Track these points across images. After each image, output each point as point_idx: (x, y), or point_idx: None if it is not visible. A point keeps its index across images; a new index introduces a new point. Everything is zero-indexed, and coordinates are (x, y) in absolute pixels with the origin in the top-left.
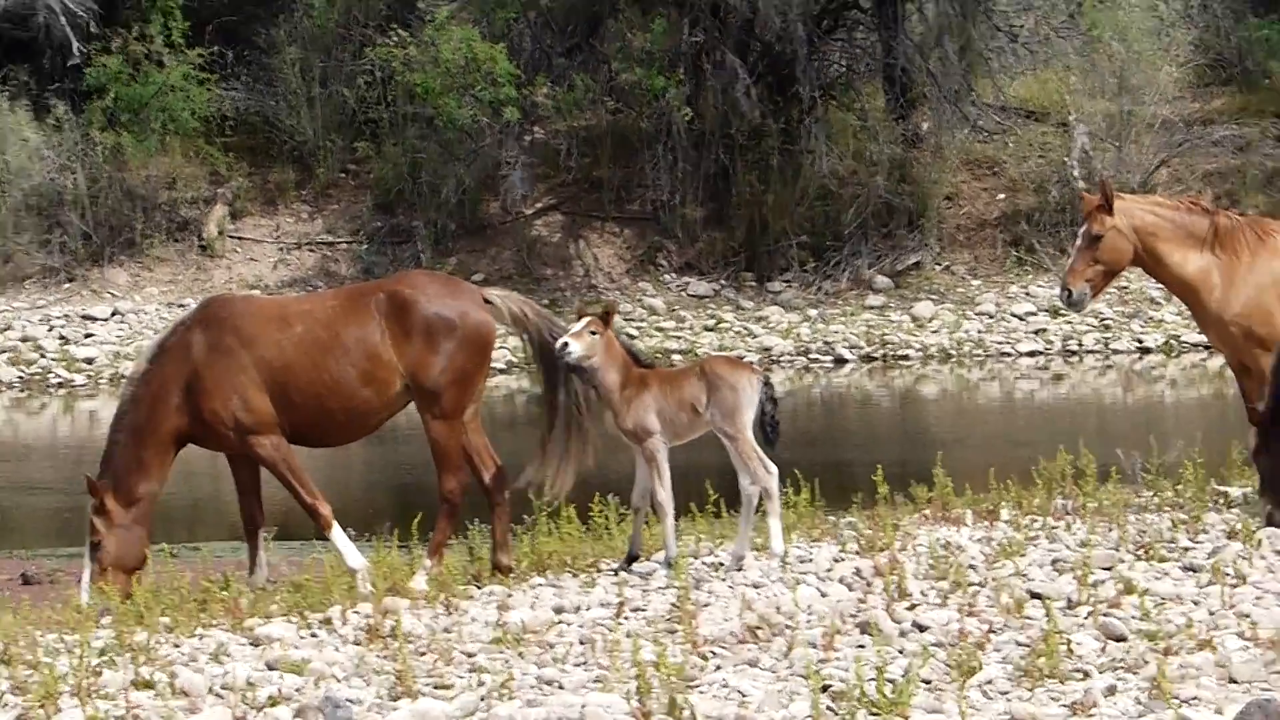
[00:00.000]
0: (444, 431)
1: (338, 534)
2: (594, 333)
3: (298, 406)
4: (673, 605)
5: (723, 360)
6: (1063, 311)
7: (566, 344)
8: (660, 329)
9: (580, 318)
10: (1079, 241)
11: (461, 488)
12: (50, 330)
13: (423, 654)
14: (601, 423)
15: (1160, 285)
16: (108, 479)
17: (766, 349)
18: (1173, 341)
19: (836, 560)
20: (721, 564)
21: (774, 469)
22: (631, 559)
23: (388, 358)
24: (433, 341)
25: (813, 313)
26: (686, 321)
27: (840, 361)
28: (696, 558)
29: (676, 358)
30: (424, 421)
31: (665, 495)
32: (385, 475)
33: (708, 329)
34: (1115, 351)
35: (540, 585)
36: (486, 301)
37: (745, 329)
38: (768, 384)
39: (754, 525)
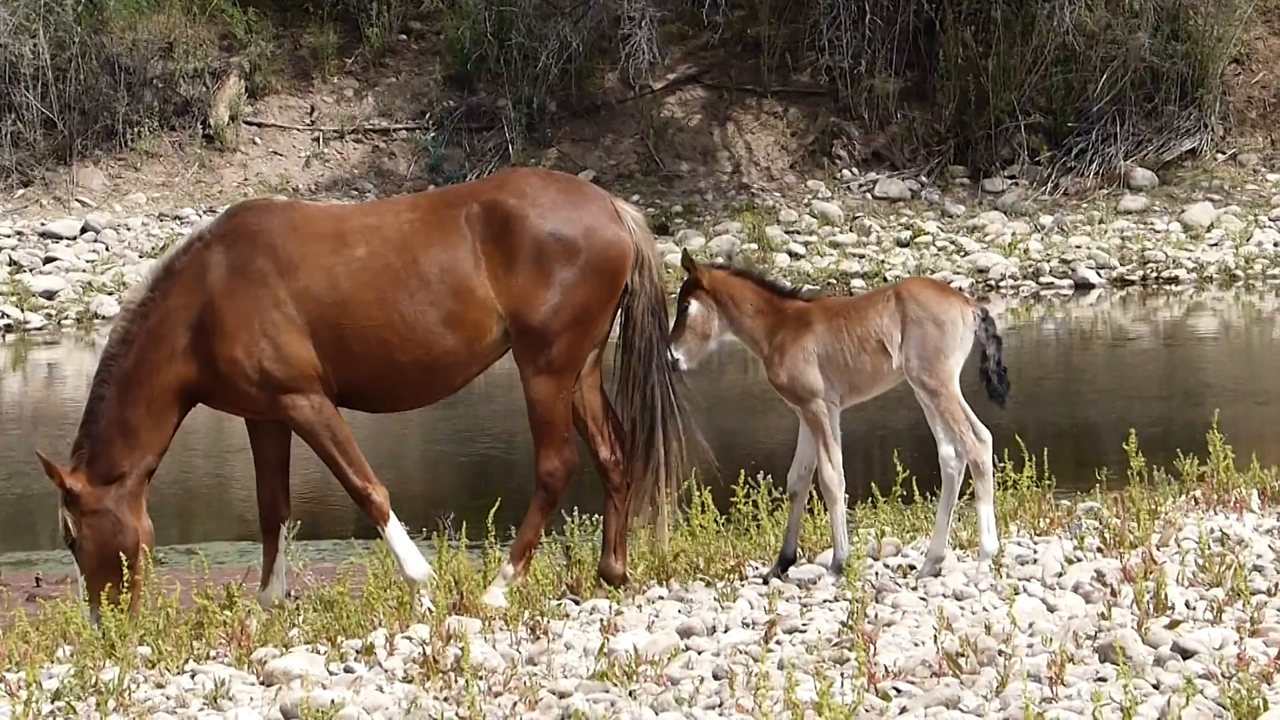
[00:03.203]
0: (550, 391)
1: (395, 530)
2: (686, 309)
3: (355, 357)
4: (843, 625)
5: (925, 283)
6: None
7: (676, 360)
8: (835, 244)
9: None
10: None
11: (566, 469)
12: None
13: (498, 694)
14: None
15: None
16: (86, 447)
17: (981, 270)
18: None
19: (1070, 560)
20: (913, 567)
21: (987, 437)
22: (786, 562)
23: (483, 293)
24: (545, 270)
25: (1046, 220)
26: (872, 234)
27: (1084, 286)
28: (877, 559)
29: (858, 284)
30: (524, 376)
31: (833, 474)
32: (454, 448)
33: (901, 244)
34: None
35: (662, 599)
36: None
37: (953, 243)
38: (987, 319)
39: (956, 513)
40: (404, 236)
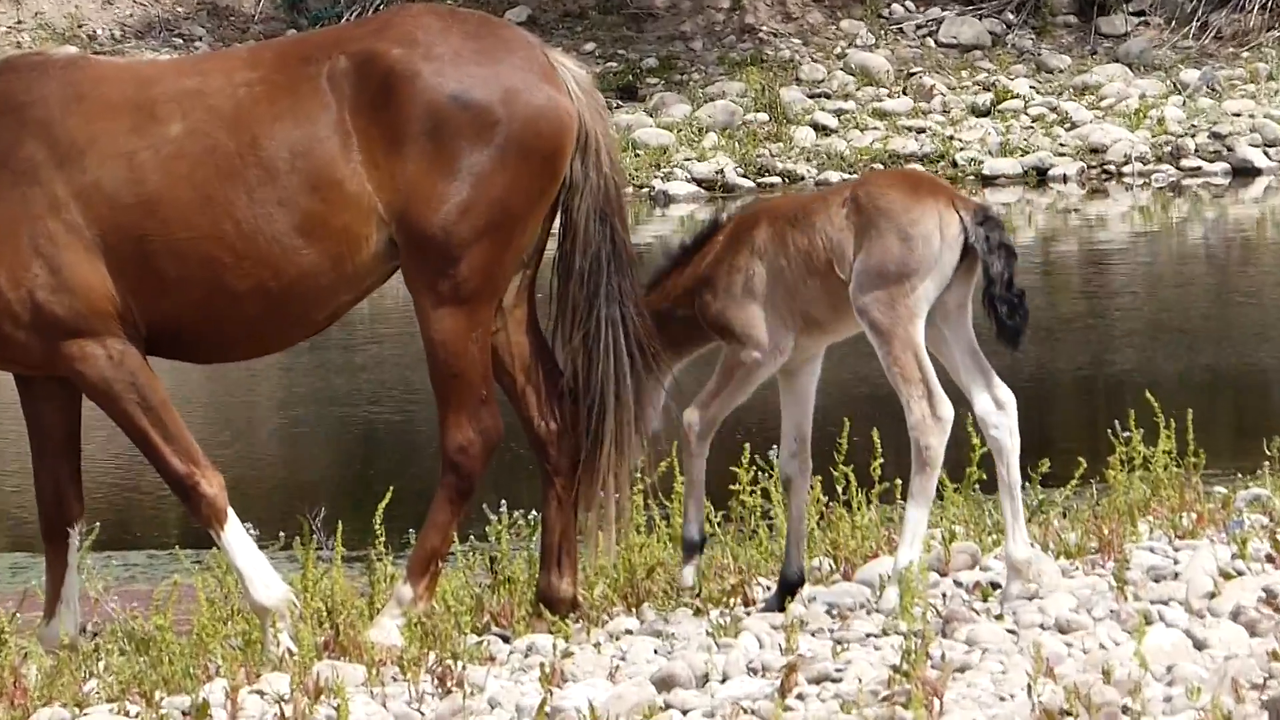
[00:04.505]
0: (458, 329)
1: (236, 535)
2: None
3: (170, 284)
4: (895, 670)
5: (892, 179)
6: None
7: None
8: (882, 114)
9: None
10: None
11: (485, 442)
12: None
13: None
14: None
15: None
16: None
17: (1095, 150)
18: None
19: (1227, 575)
20: (997, 585)
21: (947, 413)
22: (789, 587)
23: (355, 187)
24: (446, 152)
25: (1190, 76)
26: (936, 98)
27: (1245, 172)
28: (944, 574)
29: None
30: (420, 308)
31: (698, 416)
32: (323, 412)
33: (978, 111)
34: None
35: (630, 634)
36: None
37: (1054, 110)
38: (987, 221)
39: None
40: (239, 106)
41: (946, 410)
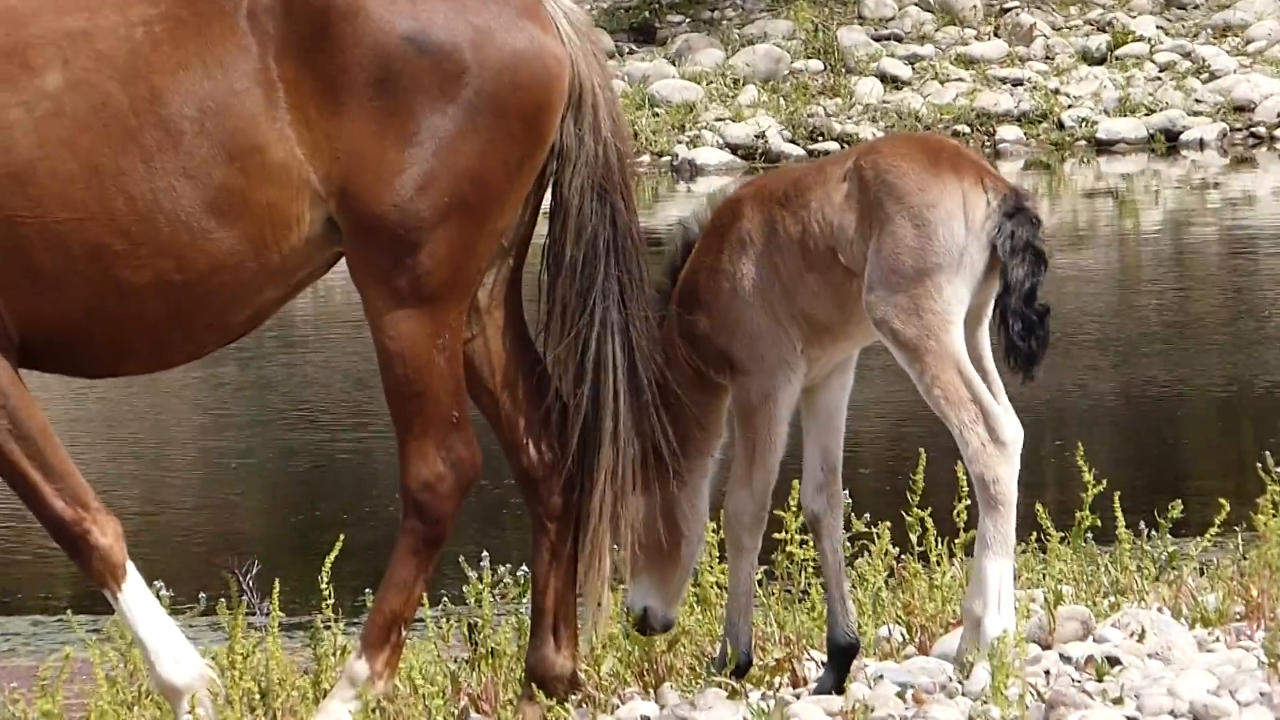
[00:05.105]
0: (420, 335)
1: (136, 595)
2: None
3: (47, 280)
4: None
5: (904, 146)
6: None
7: None
8: (968, 61)
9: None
10: None
11: (457, 478)
12: None
13: None
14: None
15: None
16: None
17: (1240, 109)
18: None
19: None
20: (1115, 661)
21: (1013, 434)
22: (841, 653)
23: (283, 154)
24: (400, 109)
25: None
26: (1037, 42)
27: None
28: (1047, 646)
29: (1008, 137)
30: (371, 309)
31: (748, 504)
32: (252, 440)
33: (1091, 59)
34: None
35: None
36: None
37: (1186, 57)
38: (1017, 213)
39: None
40: (135, 51)
41: (1011, 431)
